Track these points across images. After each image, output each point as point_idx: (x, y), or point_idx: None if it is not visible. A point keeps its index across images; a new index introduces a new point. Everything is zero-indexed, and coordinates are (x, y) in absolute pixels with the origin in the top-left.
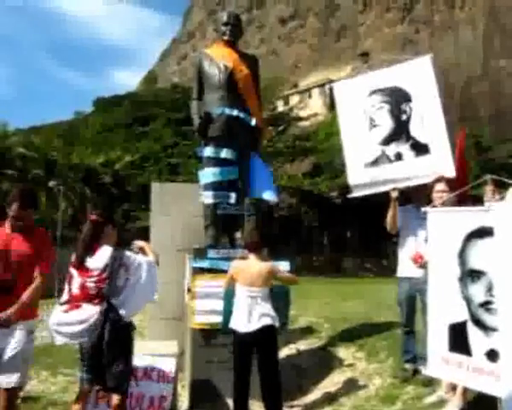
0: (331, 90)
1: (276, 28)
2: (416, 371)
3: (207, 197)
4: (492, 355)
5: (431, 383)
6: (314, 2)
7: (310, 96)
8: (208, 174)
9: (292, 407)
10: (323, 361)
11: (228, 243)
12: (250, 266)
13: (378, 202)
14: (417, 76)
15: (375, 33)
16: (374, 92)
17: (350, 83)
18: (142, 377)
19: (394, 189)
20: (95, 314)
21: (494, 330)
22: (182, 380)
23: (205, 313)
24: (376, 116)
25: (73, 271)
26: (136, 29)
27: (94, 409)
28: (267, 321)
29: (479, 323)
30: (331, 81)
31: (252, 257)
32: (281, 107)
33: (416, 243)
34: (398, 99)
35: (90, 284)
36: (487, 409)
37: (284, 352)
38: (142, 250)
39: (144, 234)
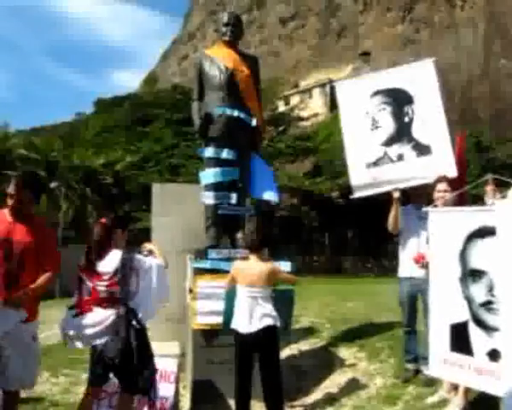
0: (332, 90)
1: (276, 28)
2: (417, 372)
3: (208, 198)
4: (494, 355)
5: (432, 383)
6: (314, 2)
7: (310, 97)
8: (209, 175)
9: (293, 407)
10: (324, 362)
11: (229, 244)
12: (251, 267)
13: (379, 203)
14: (420, 79)
15: (375, 33)
16: (376, 93)
17: (352, 83)
18: None
19: (396, 189)
20: (108, 318)
21: (495, 329)
22: (183, 380)
23: (206, 313)
24: (379, 117)
25: (83, 275)
26: (137, 30)
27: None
28: (268, 322)
29: (480, 323)
30: (332, 81)
31: (252, 257)
32: (281, 107)
33: (417, 243)
34: (400, 101)
35: (101, 288)
36: (489, 409)
37: (285, 352)
38: (151, 253)
39: (145, 235)
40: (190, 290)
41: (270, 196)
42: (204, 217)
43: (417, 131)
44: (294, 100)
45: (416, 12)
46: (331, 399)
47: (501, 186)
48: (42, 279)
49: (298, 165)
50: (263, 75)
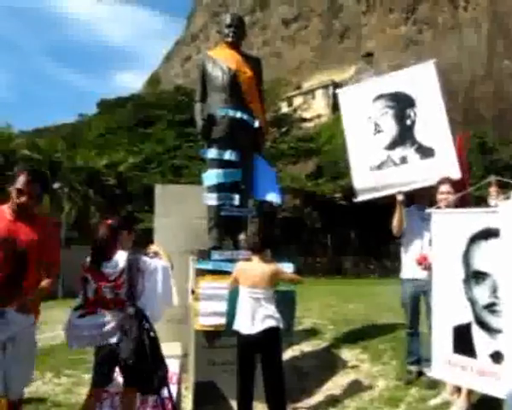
0: (335, 91)
1: (279, 30)
2: (420, 373)
3: (211, 199)
4: (497, 357)
5: (435, 385)
6: (317, 3)
7: (313, 98)
8: (212, 176)
9: (295, 408)
10: (327, 363)
11: (231, 245)
12: (253, 268)
13: (381, 204)
14: (421, 81)
15: (378, 34)
16: (378, 98)
17: (354, 89)
18: None
19: (400, 192)
20: (113, 319)
21: (499, 331)
22: (185, 382)
23: (208, 314)
24: (381, 121)
25: (88, 276)
26: (138, 30)
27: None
28: (271, 323)
29: (483, 325)
30: (334, 82)
31: (255, 259)
32: (284, 108)
33: (419, 245)
34: (402, 104)
35: (106, 290)
36: None
37: (288, 354)
38: (156, 255)
39: (148, 236)
40: (192, 291)
41: (273, 197)
42: (206, 218)
43: (420, 134)
44: (297, 101)
45: (418, 13)
46: (333, 400)
47: (504, 187)
48: (46, 283)
49: (300, 166)
50: (265, 76)
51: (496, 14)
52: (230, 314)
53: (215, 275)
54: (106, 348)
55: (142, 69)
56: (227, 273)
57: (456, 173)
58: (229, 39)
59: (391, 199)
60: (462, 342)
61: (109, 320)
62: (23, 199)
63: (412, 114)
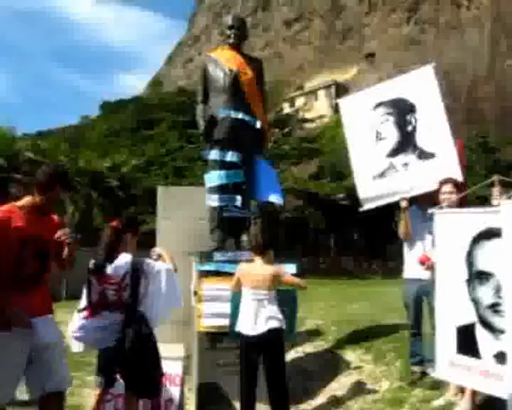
0: (337, 91)
1: (281, 31)
2: (423, 374)
3: (213, 200)
4: (501, 358)
5: (439, 385)
6: (319, 4)
7: (315, 98)
8: (214, 177)
9: (299, 409)
10: (330, 364)
11: (234, 246)
12: (256, 269)
13: (384, 205)
14: (420, 86)
15: (380, 34)
16: (378, 105)
17: (354, 98)
18: None
19: (403, 199)
20: (116, 321)
21: (503, 332)
22: (188, 383)
23: (211, 316)
24: (382, 129)
25: (92, 278)
26: (140, 33)
27: None
28: (274, 324)
29: (487, 325)
30: (337, 83)
31: (257, 260)
32: (286, 109)
33: (422, 245)
34: (402, 110)
35: (110, 292)
36: None
37: (291, 355)
38: (160, 257)
39: (151, 237)
40: (195, 293)
41: (275, 198)
42: (209, 219)
43: (421, 140)
44: (299, 102)
45: (421, 13)
46: (337, 401)
47: (507, 187)
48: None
49: (303, 166)
50: (267, 77)
51: (498, 14)
52: (234, 316)
53: (218, 276)
54: (108, 350)
55: (145, 71)
56: (230, 274)
57: (458, 177)
58: (231, 41)
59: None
60: (466, 342)
61: (112, 323)
62: (48, 208)
63: (413, 120)
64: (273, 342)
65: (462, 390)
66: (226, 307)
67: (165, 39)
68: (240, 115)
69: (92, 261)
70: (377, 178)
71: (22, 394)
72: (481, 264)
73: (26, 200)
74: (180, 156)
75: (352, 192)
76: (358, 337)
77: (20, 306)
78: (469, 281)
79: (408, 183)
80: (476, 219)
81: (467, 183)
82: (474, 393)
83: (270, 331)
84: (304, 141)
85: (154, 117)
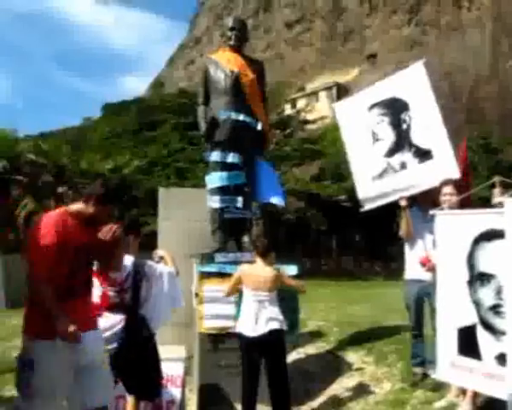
0: (338, 92)
1: (282, 32)
2: (425, 376)
3: (214, 202)
4: (502, 359)
5: (440, 387)
6: (320, 5)
7: (317, 100)
8: (215, 179)
9: None
10: (331, 365)
11: (235, 247)
12: (257, 271)
13: (386, 206)
14: (412, 83)
15: (381, 36)
16: (373, 106)
17: (349, 102)
18: None
19: (402, 197)
20: (118, 323)
21: (504, 333)
22: (190, 384)
23: (212, 317)
24: (378, 130)
25: (95, 279)
26: (142, 35)
27: None
28: (274, 325)
29: (488, 326)
30: (338, 84)
31: (259, 261)
32: (288, 110)
33: (423, 246)
34: (396, 110)
35: (112, 294)
36: None
37: (292, 356)
38: (162, 259)
39: (152, 239)
40: (197, 294)
41: (276, 199)
42: (210, 221)
43: (416, 137)
44: (301, 103)
45: (422, 14)
46: (338, 403)
47: (509, 188)
48: None
49: (305, 168)
50: (269, 78)
51: (499, 14)
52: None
53: (219, 278)
54: (108, 352)
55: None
56: (231, 276)
57: (455, 173)
58: (232, 42)
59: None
60: (467, 343)
61: (113, 325)
62: (99, 212)
63: (407, 118)
64: (274, 343)
65: (463, 392)
66: (227, 309)
67: (167, 41)
68: (241, 117)
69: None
70: (376, 178)
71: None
72: (482, 265)
73: (80, 207)
74: (182, 158)
75: (353, 194)
76: (360, 339)
77: (71, 316)
78: (470, 282)
79: (406, 181)
80: (477, 220)
81: (471, 183)
82: (476, 394)
83: (271, 333)
84: (305, 142)
85: (155, 119)
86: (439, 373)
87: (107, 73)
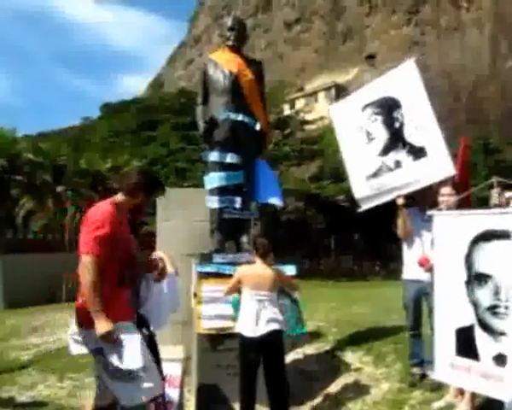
0: (336, 92)
1: (281, 32)
2: (423, 376)
3: (213, 202)
4: (500, 360)
5: (439, 387)
6: (319, 5)
7: (316, 100)
8: (214, 179)
9: None
10: (330, 365)
11: (234, 248)
12: (257, 271)
13: (385, 205)
14: (403, 81)
15: (381, 36)
16: (366, 106)
17: (343, 103)
18: None
19: (399, 196)
20: None
21: (502, 334)
22: (188, 384)
23: (211, 317)
24: (372, 129)
25: None
26: (142, 35)
27: None
28: (274, 326)
29: (486, 327)
30: (337, 84)
31: (258, 262)
32: (287, 110)
33: (421, 246)
34: (389, 108)
35: None
36: None
37: (291, 356)
38: (161, 260)
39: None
40: (195, 295)
41: (275, 200)
42: (209, 221)
43: (410, 135)
44: (300, 103)
45: (421, 14)
46: (337, 403)
47: (507, 189)
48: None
49: (304, 168)
50: (268, 78)
51: (499, 15)
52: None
53: (218, 278)
54: None
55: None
56: (230, 276)
57: (450, 170)
58: (231, 42)
59: (392, 201)
60: (465, 344)
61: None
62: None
63: (400, 117)
64: (273, 343)
65: (461, 392)
66: (226, 309)
67: (166, 41)
68: (240, 117)
69: None
70: (371, 178)
71: (21, 396)
72: (480, 266)
73: (124, 199)
74: (181, 158)
75: (352, 194)
76: (359, 339)
77: (123, 304)
78: (468, 283)
79: (402, 180)
80: (475, 220)
81: (471, 183)
82: (474, 395)
83: (271, 333)
84: (304, 142)
85: (155, 118)
86: (437, 374)
87: (106, 73)
